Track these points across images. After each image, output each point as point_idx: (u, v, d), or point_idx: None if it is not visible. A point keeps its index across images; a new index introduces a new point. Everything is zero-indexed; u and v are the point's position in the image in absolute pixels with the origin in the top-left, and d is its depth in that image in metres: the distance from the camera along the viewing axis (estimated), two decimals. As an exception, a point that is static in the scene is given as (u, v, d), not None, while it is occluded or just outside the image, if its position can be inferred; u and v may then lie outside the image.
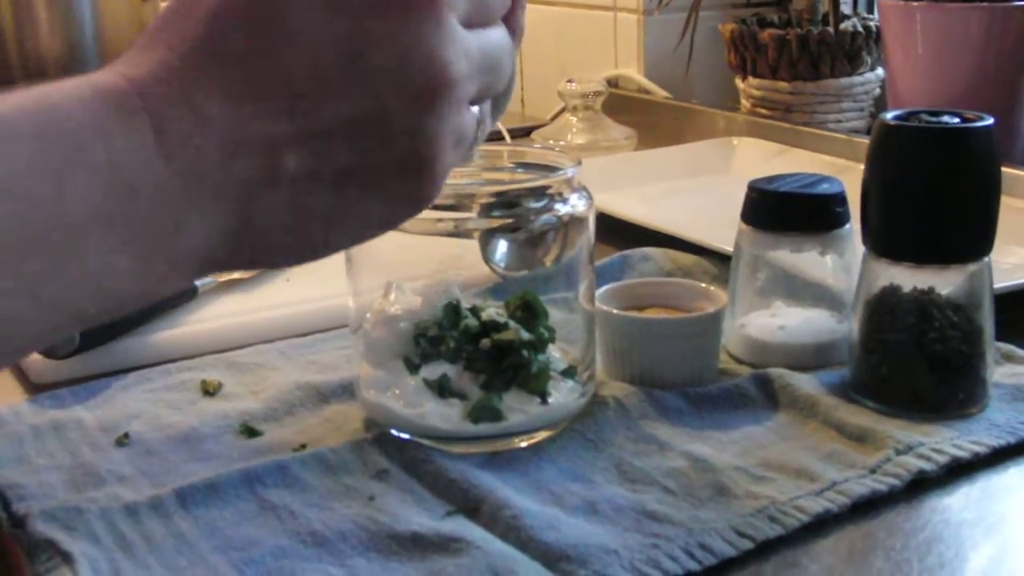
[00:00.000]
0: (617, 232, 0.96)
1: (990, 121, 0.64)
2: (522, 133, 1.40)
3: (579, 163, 0.65)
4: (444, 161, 0.43)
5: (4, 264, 0.35)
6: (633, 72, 1.51)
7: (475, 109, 0.46)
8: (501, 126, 1.27)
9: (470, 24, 0.44)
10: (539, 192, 0.63)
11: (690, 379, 0.69)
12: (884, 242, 0.66)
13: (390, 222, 0.44)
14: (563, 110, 1.40)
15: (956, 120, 0.64)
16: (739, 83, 1.41)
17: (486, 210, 0.61)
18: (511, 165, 0.68)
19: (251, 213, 0.40)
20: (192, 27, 0.40)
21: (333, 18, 0.40)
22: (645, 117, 1.43)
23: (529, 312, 0.65)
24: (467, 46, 0.43)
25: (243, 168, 0.39)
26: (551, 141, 1.35)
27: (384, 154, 0.41)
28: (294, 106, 0.40)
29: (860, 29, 1.32)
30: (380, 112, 0.41)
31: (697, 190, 1.15)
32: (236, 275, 0.86)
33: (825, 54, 1.31)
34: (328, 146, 0.41)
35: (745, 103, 1.40)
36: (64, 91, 0.38)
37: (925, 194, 0.64)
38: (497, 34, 0.46)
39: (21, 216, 0.35)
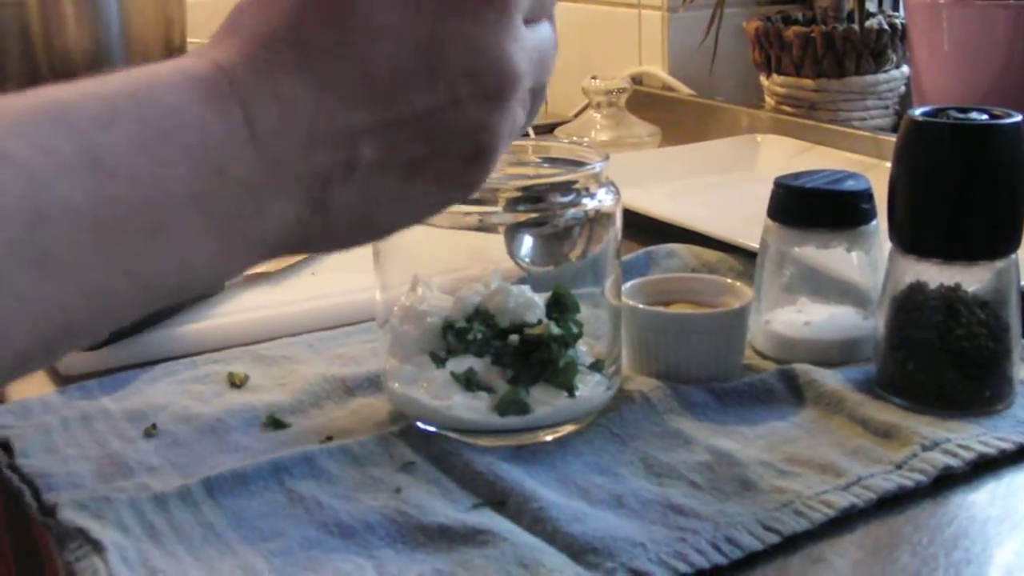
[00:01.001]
0: (641, 228, 0.96)
1: (1018, 118, 0.63)
2: (546, 130, 1.40)
3: (607, 158, 0.65)
4: (500, 153, 0.45)
5: (104, 241, 0.37)
6: (657, 69, 1.51)
7: None
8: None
9: (528, 20, 0.45)
10: (565, 187, 0.63)
11: (715, 374, 0.70)
12: (911, 238, 0.66)
13: (444, 206, 0.46)
14: (587, 107, 1.40)
15: (984, 117, 0.64)
16: (763, 80, 1.40)
17: (512, 204, 0.61)
18: (537, 160, 0.68)
19: (326, 200, 0.42)
20: (276, 17, 0.41)
21: (414, 16, 0.42)
22: (669, 114, 1.43)
23: (561, 307, 0.65)
24: (527, 44, 0.44)
25: (324, 157, 0.41)
26: (575, 138, 1.35)
27: (453, 145, 0.43)
28: (374, 98, 0.41)
29: (885, 27, 1.31)
30: (453, 106, 0.42)
31: (721, 187, 1.15)
32: (262, 268, 0.87)
33: (850, 51, 1.31)
34: (402, 137, 0.42)
35: (770, 100, 1.40)
36: (158, 76, 0.40)
37: (953, 191, 0.63)
38: (546, 29, 0.47)
39: (122, 195, 0.37)
